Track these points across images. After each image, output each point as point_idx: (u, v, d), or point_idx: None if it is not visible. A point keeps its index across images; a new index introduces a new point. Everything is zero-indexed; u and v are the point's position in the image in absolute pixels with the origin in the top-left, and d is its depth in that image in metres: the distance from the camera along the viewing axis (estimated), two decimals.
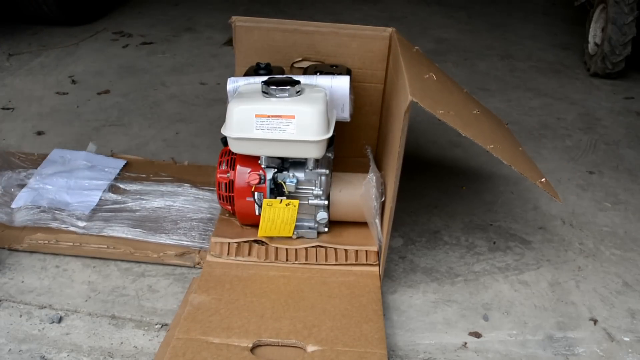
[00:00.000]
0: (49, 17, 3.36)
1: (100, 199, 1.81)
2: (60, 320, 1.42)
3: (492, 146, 1.44)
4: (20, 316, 1.43)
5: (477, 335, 1.45)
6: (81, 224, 1.70)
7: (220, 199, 1.63)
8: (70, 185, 1.85)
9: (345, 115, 1.69)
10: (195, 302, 1.41)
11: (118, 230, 1.69)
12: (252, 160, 1.58)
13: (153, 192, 1.88)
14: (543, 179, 1.57)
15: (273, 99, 1.50)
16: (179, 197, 1.86)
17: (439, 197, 2.01)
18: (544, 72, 3.23)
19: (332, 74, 1.70)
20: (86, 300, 1.48)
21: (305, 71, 1.80)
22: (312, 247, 1.59)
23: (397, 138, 1.39)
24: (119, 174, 1.95)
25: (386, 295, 1.55)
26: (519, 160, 1.62)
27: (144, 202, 1.83)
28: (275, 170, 1.57)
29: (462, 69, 3.21)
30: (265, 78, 1.56)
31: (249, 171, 1.57)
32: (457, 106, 1.60)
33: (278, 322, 1.37)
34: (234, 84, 1.65)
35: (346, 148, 1.88)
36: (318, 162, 1.57)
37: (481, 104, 1.95)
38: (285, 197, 1.56)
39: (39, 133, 2.29)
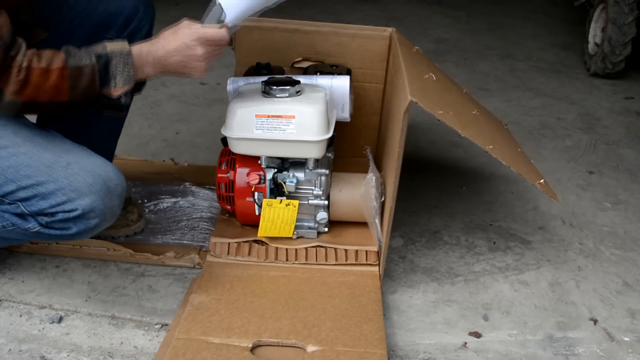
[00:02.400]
0: None
1: None
2: (60, 320, 1.42)
3: (491, 147, 1.44)
4: (20, 316, 1.43)
5: (477, 335, 1.45)
6: None
7: (220, 199, 1.63)
8: None
9: (345, 115, 1.69)
10: (195, 302, 1.41)
11: None
12: (252, 160, 1.58)
13: (153, 192, 1.88)
14: (542, 180, 1.58)
15: (273, 99, 1.50)
16: (179, 197, 1.86)
17: (439, 197, 2.01)
18: (544, 72, 3.23)
19: (332, 74, 1.70)
20: (86, 300, 1.48)
21: (305, 71, 1.80)
22: (312, 247, 1.59)
23: (397, 138, 1.39)
24: None
25: (386, 295, 1.55)
26: (518, 161, 1.62)
27: (143, 203, 1.83)
28: (275, 170, 1.57)
29: (462, 69, 3.21)
30: (265, 78, 1.56)
31: (248, 171, 1.57)
32: (456, 106, 1.61)
33: (278, 322, 1.37)
34: (234, 84, 1.65)
35: (346, 148, 1.88)
36: (318, 162, 1.57)
37: (480, 105, 1.95)
38: (285, 197, 1.56)
39: None
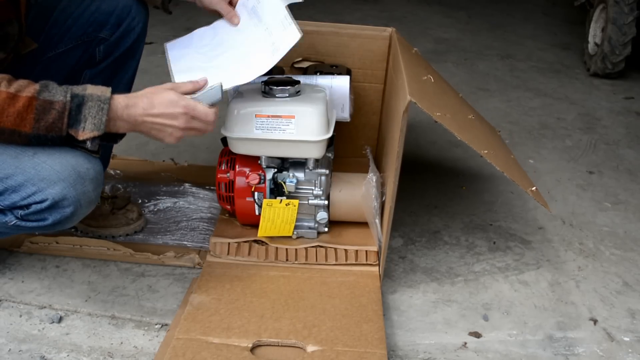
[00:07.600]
0: None
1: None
2: (60, 320, 1.42)
3: (486, 151, 1.45)
4: (20, 316, 1.43)
5: (477, 335, 1.45)
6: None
7: (220, 199, 1.63)
8: None
9: (345, 115, 1.69)
10: (195, 302, 1.41)
11: None
12: (252, 160, 1.58)
13: (153, 193, 1.88)
14: (534, 188, 1.59)
15: (273, 99, 1.51)
16: (179, 198, 1.86)
17: (439, 197, 2.01)
18: (544, 72, 3.23)
19: (332, 74, 1.70)
20: (86, 300, 1.48)
21: (305, 71, 1.80)
22: (312, 247, 1.59)
23: (397, 138, 1.40)
24: (118, 175, 1.95)
25: (386, 295, 1.55)
26: (511, 168, 1.63)
27: (143, 203, 1.83)
28: (275, 170, 1.57)
29: (462, 69, 3.21)
30: (265, 78, 1.56)
31: (248, 171, 1.57)
32: (453, 110, 1.61)
33: (278, 322, 1.37)
34: None
35: (346, 148, 1.88)
36: (318, 162, 1.57)
37: (475, 110, 1.96)
38: (285, 197, 1.56)
39: None
